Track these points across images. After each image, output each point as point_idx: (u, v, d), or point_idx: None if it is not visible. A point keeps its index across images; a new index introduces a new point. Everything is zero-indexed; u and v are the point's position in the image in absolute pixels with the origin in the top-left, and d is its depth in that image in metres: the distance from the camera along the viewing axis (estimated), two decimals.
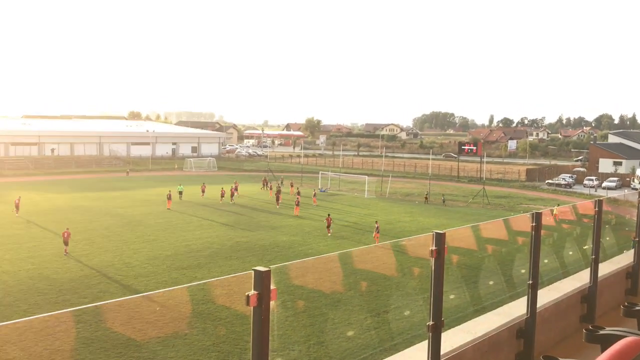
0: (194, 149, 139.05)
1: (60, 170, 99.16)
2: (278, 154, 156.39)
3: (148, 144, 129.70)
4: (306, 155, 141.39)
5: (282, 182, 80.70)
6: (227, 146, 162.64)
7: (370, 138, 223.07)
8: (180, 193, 63.10)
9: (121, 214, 52.14)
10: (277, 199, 60.58)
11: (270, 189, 73.05)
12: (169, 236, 42.30)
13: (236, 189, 67.11)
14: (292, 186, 74.61)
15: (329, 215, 47.44)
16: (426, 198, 70.70)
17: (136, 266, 33.74)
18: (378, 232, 41.28)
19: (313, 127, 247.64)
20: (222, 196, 62.54)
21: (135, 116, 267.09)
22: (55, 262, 34.10)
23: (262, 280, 4.17)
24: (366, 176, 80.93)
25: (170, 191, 60.37)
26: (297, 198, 57.81)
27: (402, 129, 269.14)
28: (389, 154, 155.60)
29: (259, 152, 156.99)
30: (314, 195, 64.81)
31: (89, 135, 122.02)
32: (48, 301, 26.42)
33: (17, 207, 51.04)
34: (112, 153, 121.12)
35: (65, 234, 36.62)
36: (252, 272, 4.14)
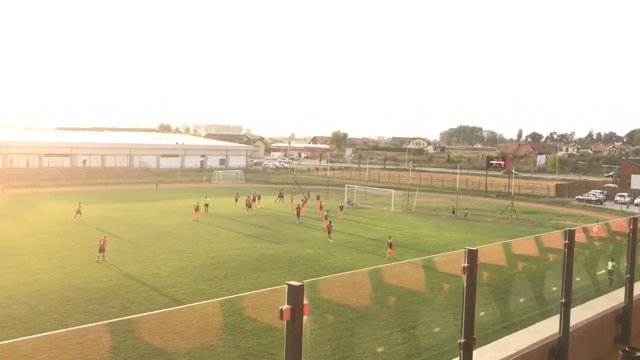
0: (222, 161, 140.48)
1: (91, 181, 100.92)
2: (304, 166, 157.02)
3: (177, 156, 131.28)
4: (332, 169, 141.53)
5: (308, 195, 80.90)
6: (254, 159, 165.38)
7: (396, 152, 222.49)
8: (207, 205, 63.52)
9: (150, 224, 52.76)
10: (298, 214, 59.08)
11: (291, 201, 73.00)
12: (196, 247, 42.64)
13: (254, 200, 68.63)
14: (318, 199, 74.61)
15: (329, 222, 50.65)
16: (454, 212, 70.42)
17: (164, 277, 34.06)
18: (391, 248, 40.95)
19: (339, 140, 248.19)
20: (236, 201, 67.89)
21: (165, 129, 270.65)
22: (85, 272, 34.61)
23: (295, 294, 4.19)
24: (392, 190, 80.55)
25: (197, 203, 60.98)
26: (326, 213, 57.95)
27: (429, 143, 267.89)
28: (416, 168, 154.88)
29: (286, 165, 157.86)
30: (341, 208, 64.35)
31: (119, 147, 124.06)
32: (78, 310, 26.80)
33: (78, 211, 55.57)
34: (142, 165, 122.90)
35: (102, 241, 38.14)
36: (286, 286, 4.16)
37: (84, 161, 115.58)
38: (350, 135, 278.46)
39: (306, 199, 72.26)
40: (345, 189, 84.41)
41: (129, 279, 33.24)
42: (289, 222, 57.87)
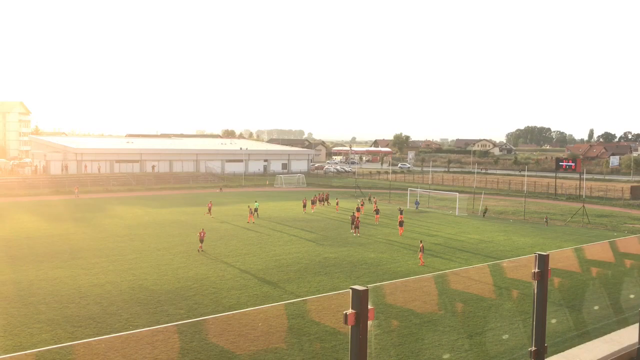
0: (284, 166, 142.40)
1: (159, 185, 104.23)
2: (366, 170, 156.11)
3: (241, 160, 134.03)
4: (394, 172, 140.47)
5: (369, 199, 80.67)
6: (315, 163, 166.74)
7: (461, 154, 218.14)
8: (256, 210, 61.83)
9: (215, 228, 53.91)
10: (353, 222, 52.83)
11: (337, 204, 72.21)
12: (259, 250, 43.25)
13: (321, 200, 71.51)
14: (375, 203, 72.65)
15: (356, 209, 54.98)
16: (484, 213, 69.59)
17: (229, 279, 34.67)
18: (422, 252, 39.85)
19: (401, 143, 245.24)
20: (304, 206, 67.93)
21: (229, 134, 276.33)
22: (154, 274, 35.69)
23: (359, 299, 4.13)
24: (457, 193, 78.95)
25: (249, 207, 62.87)
26: (373, 205, 58.67)
27: (494, 145, 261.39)
28: (481, 171, 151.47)
29: (347, 169, 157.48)
30: (400, 212, 59.35)
31: (186, 152, 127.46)
32: (147, 311, 27.64)
33: (209, 210, 63.28)
34: (207, 169, 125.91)
35: (202, 233, 43.87)
36: (350, 290, 4.10)
37: (153, 166, 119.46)
38: (413, 138, 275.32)
39: (364, 203, 72.15)
40: (408, 192, 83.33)
41: (196, 281, 34.03)
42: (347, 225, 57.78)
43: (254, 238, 48.81)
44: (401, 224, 53.33)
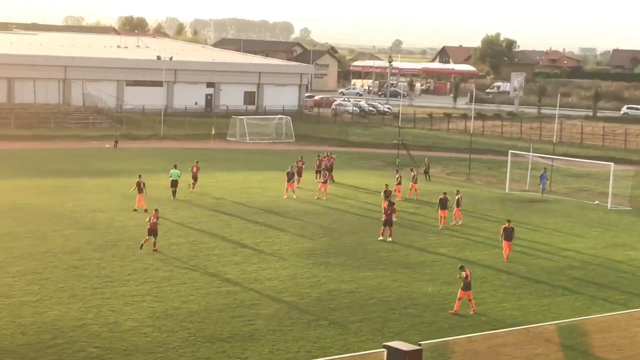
0: (249, 98, 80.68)
1: None
2: (420, 110, 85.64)
3: (160, 84, 71.10)
4: (480, 115, 75.83)
5: (426, 168, 45.27)
6: (314, 94, 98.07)
7: (622, 81, 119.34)
8: (174, 185, 35.46)
9: (93, 221, 30.04)
10: (389, 219, 29.46)
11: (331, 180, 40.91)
12: (191, 274, 23.83)
13: (319, 171, 40.68)
14: (413, 177, 38.90)
15: (386, 194, 31.83)
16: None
17: (123, 331, 17.09)
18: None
19: (497, 56, 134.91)
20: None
21: (134, 26, 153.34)
22: None
23: None
24: (611, 163, 42.43)
25: (140, 181, 32.89)
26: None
27: None
28: None
29: (381, 107, 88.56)
30: (508, 222, 27.37)
31: (43, 64, 68.91)
32: None
33: (193, 183, 37.13)
34: (88, 100, 69.86)
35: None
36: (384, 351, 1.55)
37: None
38: (522, 46, 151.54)
39: (400, 179, 38.39)
40: (509, 158, 43.62)
41: (56, 334, 16.64)
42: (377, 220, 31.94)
43: (178, 248, 27.65)
44: (508, 234, 26.73)
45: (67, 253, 25.60)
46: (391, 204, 30.34)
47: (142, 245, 25.76)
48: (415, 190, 38.52)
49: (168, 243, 27.49)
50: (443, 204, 31.35)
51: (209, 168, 42.27)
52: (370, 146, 61.36)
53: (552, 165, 44.66)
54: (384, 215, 29.53)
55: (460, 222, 32.40)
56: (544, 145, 55.87)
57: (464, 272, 20.69)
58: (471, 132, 56.47)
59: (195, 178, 37.24)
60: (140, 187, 32.56)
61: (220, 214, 33.06)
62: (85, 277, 22.67)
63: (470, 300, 20.77)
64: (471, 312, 20.74)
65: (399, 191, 37.72)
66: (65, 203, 33.83)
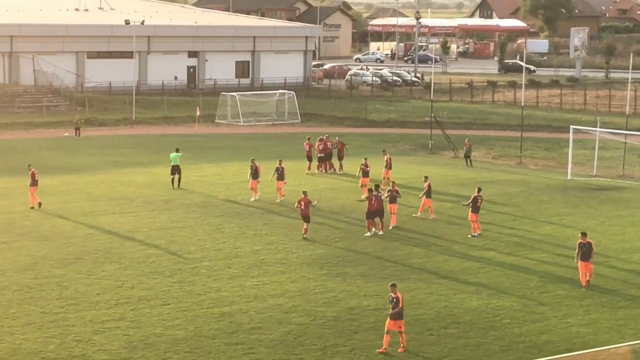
0: (241, 70, 71.23)
1: None
2: (457, 78, 76.46)
3: (129, 56, 59.87)
4: (533, 82, 69.15)
5: (467, 151, 39.45)
6: (325, 63, 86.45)
7: None
8: (176, 171, 32.65)
9: (44, 228, 26.35)
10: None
11: (338, 169, 36.36)
12: (171, 290, 20.73)
13: (321, 159, 36.17)
14: (386, 162, 33.40)
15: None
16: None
17: None
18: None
19: (552, 6, 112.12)
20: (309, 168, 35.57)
21: None
22: None
23: None
24: None
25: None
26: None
27: None
28: None
29: (408, 76, 76.94)
30: (583, 235, 21.10)
31: None
32: None
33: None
34: (40, 78, 61.35)
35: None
36: None
37: None
38: None
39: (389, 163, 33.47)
40: (570, 136, 38.22)
41: None
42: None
43: (158, 259, 23.30)
44: (585, 253, 20.45)
45: (19, 271, 22.13)
46: (371, 191, 26.23)
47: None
48: (389, 178, 31.86)
49: (145, 254, 23.52)
50: (475, 206, 25.52)
51: (193, 159, 37.58)
52: (396, 126, 53.89)
53: (625, 144, 38.47)
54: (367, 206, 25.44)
55: (431, 216, 27.66)
56: (614, 118, 49.32)
57: (393, 295, 15.87)
58: (522, 104, 47.85)
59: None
60: (34, 179, 28.74)
61: (209, 216, 28.87)
62: (43, 300, 19.61)
63: (401, 332, 16.29)
64: (400, 350, 16.11)
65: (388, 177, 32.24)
66: (15, 208, 29.44)
